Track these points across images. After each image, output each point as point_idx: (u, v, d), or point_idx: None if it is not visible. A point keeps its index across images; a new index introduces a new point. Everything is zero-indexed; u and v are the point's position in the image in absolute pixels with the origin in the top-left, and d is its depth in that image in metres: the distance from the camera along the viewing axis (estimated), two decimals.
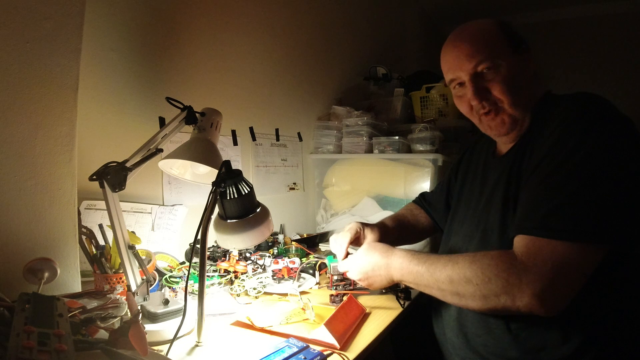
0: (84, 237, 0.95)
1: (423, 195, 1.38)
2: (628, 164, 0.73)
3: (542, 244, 0.72)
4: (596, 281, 0.73)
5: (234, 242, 0.87)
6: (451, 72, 0.94)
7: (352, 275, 1.00)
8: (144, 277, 0.90)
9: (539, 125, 0.86)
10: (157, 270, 1.12)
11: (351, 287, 1.12)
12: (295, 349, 0.76)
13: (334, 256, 1.10)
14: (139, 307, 0.80)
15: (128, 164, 0.86)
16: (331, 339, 0.81)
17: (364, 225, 1.11)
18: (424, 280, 0.85)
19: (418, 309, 1.11)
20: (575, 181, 0.73)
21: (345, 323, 0.90)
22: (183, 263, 1.24)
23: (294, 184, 1.94)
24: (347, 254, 1.04)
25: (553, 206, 0.73)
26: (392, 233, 1.18)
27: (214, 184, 0.83)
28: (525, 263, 0.72)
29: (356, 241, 1.08)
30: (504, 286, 0.73)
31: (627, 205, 0.71)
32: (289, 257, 1.29)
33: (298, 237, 1.69)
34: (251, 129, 1.67)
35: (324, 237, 1.79)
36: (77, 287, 0.92)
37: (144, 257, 0.92)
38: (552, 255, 0.71)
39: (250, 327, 0.91)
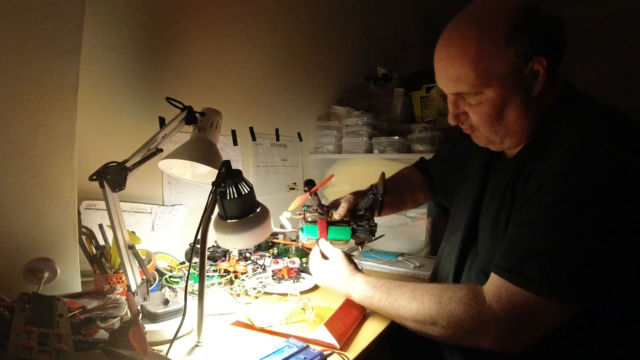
0: (84, 237, 0.95)
1: (425, 164, 1.32)
2: (631, 218, 0.66)
3: (514, 292, 0.69)
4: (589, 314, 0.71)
5: (234, 242, 0.87)
6: (437, 82, 0.86)
7: (314, 274, 1.04)
8: (144, 277, 0.90)
9: (547, 135, 0.77)
10: (157, 270, 1.12)
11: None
12: (295, 349, 0.76)
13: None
14: (139, 307, 0.80)
15: (128, 164, 0.86)
16: (331, 339, 0.81)
17: (357, 195, 1.13)
18: (386, 314, 0.88)
19: None
20: (563, 229, 0.67)
21: (345, 323, 0.90)
22: (183, 263, 1.24)
23: (294, 184, 1.94)
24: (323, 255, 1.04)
25: (533, 251, 0.69)
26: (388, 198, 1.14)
27: (214, 184, 0.83)
28: (495, 309, 0.71)
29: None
30: (470, 330, 0.73)
31: (614, 265, 0.67)
32: (289, 257, 1.29)
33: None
34: (251, 129, 1.67)
35: None
36: (77, 287, 0.92)
37: (144, 257, 0.92)
38: (522, 305, 0.68)
39: (250, 327, 0.91)
